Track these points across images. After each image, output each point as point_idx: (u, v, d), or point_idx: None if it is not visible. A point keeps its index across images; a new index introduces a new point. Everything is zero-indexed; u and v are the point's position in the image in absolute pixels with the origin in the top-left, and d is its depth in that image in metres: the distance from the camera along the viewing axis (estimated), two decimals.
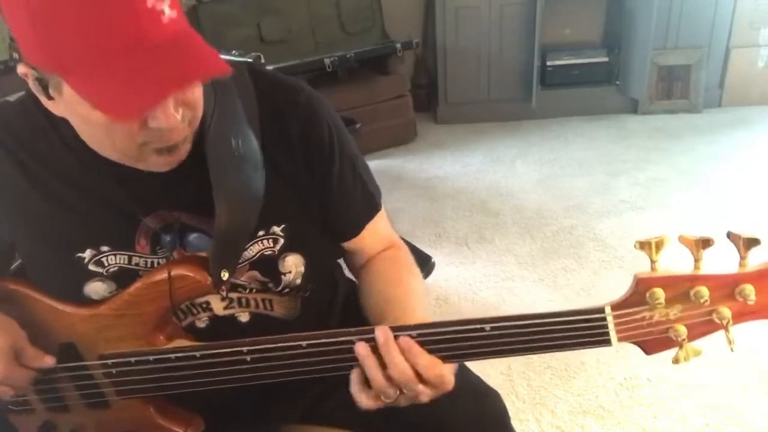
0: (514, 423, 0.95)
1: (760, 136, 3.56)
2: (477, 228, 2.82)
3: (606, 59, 3.99)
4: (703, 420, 1.70)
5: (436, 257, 1.18)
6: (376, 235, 0.97)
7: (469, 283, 2.41)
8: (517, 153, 3.60)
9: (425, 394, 0.75)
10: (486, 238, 2.72)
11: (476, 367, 0.98)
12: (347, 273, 1.10)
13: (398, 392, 0.75)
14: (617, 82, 4.02)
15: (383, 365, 0.74)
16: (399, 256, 0.98)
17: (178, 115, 0.70)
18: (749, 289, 0.67)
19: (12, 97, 0.85)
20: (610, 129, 3.84)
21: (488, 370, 1.92)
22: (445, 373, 0.76)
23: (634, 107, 4.01)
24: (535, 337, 0.72)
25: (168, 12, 0.66)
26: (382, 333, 0.74)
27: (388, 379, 0.74)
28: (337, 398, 0.99)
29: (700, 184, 3.06)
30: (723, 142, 3.52)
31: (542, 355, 1.96)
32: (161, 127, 0.69)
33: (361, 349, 0.74)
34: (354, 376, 0.76)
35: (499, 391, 0.96)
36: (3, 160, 0.81)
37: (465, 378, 0.96)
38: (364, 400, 0.76)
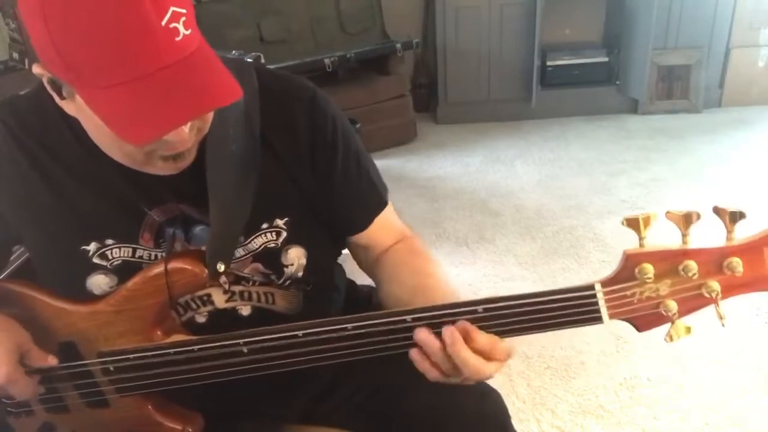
0: (514, 423, 0.95)
1: (760, 136, 3.56)
2: (477, 228, 2.82)
3: (606, 59, 3.99)
4: (703, 420, 1.70)
5: (436, 257, 1.18)
6: (387, 228, 0.97)
7: (469, 283, 2.41)
8: (517, 153, 3.60)
9: (494, 369, 0.73)
10: (486, 238, 2.72)
11: None
12: (348, 274, 1.10)
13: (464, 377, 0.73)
14: (617, 82, 4.02)
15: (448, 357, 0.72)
16: (416, 246, 0.97)
17: (187, 129, 0.70)
18: (736, 261, 0.67)
19: (22, 91, 0.85)
20: (610, 129, 3.84)
21: None
22: (505, 344, 0.73)
23: (634, 107, 4.01)
24: (528, 317, 0.72)
25: (182, 30, 0.66)
26: (449, 334, 0.71)
27: (453, 367, 0.72)
28: (337, 398, 0.99)
29: (701, 184, 3.06)
30: (723, 142, 3.52)
31: (542, 355, 1.97)
32: (170, 140, 0.70)
33: (427, 338, 0.72)
34: (418, 356, 0.73)
35: (499, 391, 0.96)
36: (13, 151, 0.82)
37: None
38: (434, 376, 0.74)
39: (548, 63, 3.99)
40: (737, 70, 3.90)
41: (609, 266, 2.50)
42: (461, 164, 3.53)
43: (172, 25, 0.64)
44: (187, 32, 0.66)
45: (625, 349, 1.98)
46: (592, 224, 2.76)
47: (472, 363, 0.71)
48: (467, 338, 0.71)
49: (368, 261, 0.98)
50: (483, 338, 0.72)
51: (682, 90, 3.94)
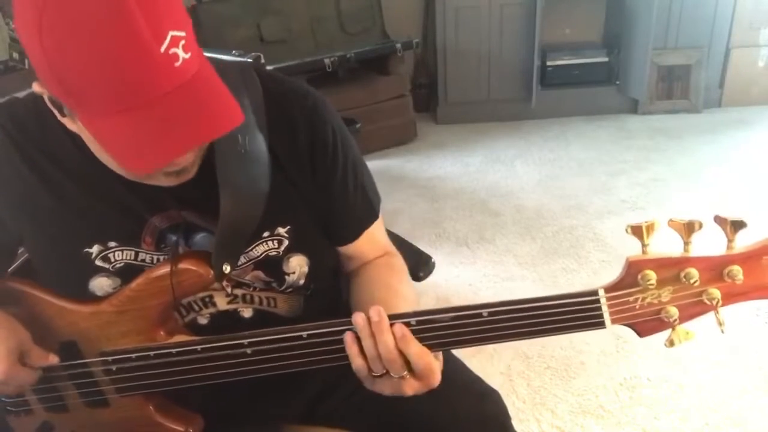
0: (514, 423, 0.95)
1: (760, 136, 3.56)
2: (477, 228, 2.82)
3: (606, 59, 3.99)
4: (703, 420, 1.70)
5: (436, 257, 1.18)
6: (373, 242, 0.98)
7: (469, 283, 2.41)
8: (517, 153, 3.60)
9: (410, 384, 0.76)
10: (486, 238, 2.72)
11: (476, 367, 0.99)
12: None
13: (385, 370, 0.75)
14: (617, 82, 4.02)
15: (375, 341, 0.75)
16: (393, 263, 0.99)
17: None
18: (737, 269, 0.69)
19: (21, 94, 0.85)
20: (610, 129, 3.84)
21: (488, 370, 1.92)
22: (435, 366, 0.76)
23: (634, 107, 4.01)
24: (532, 321, 0.74)
25: (182, 55, 0.64)
26: (375, 311, 0.74)
27: (377, 353, 0.74)
28: (336, 398, 0.99)
29: (700, 184, 3.06)
30: (723, 142, 3.52)
31: (542, 355, 1.97)
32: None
33: (359, 319, 0.75)
34: (350, 338, 0.76)
35: (499, 391, 0.96)
36: (12, 155, 0.81)
37: (465, 378, 0.96)
38: (357, 363, 0.76)
39: (548, 63, 3.99)
40: (737, 70, 3.90)
41: (609, 266, 2.52)
42: (461, 164, 3.53)
43: (171, 51, 0.63)
44: (187, 56, 0.65)
45: (625, 349, 1.98)
46: (592, 224, 2.76)
47: (395, 358, 0.73)
48: (402, 341, 0.74)
49: (348, 270, 1.00)
50: (415, 347, 0.74)
51: (682, 90, 3.94)
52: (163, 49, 0.62)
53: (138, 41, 0.61)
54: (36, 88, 0.70)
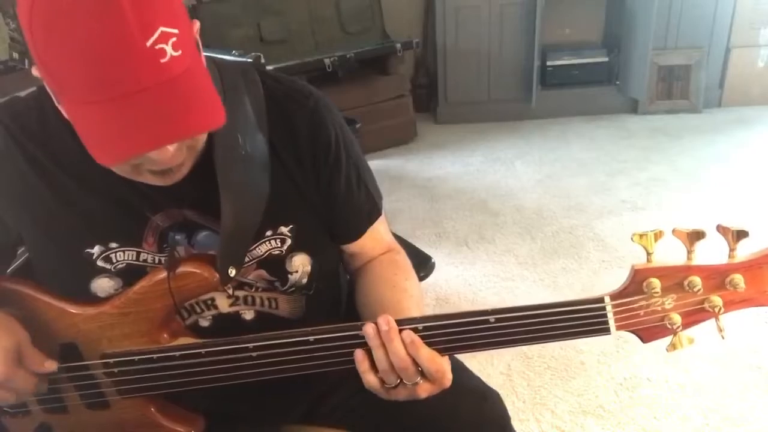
0: (514, 423, 0.96)
1: (760, 136, 3.56)
2: (477, 228, 2.82)
3: (606, 59, 3.99)
4: (703, 420, 1.70)
5: (436, 257, 1.19)
6: (376, 239, 0.98)
7: (469, 283, 2.41)
8: (517, 153, 3.60)
9: (423, 388, 0.76)
10: (486, 238, 2.72)
11: (476, 367, 0.99)
12: None
13: (398, 380, 0.76)
14: (617, 82, 4.02)
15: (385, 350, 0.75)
16: (397, 260, 0.99)
17: (172, 148, 0.69)
18: (738, 278, 0.70)
19: (23, 93, 0.85)
20: (610, 129, 3.84)
21: (488, 370, 1.92)
22: (445, 367, 0.76)
23: (634, 107, 4.01)
24: (539, 327, 0.75)
25: (170, 51, 0.63)
26: (384, 320, 0.75)
27: (390, 364, 0.75)
28: (337, 398, 0.99)
29: (700, 184, 3.06)
30: (723, 142, 3.52)
31: (542, 355, 1.97)
32: (154, 158, 0.69)
33: (369, 329, 0.75)
34: (361, 355, 0.76)
35: (499, 391, 0.96)
36: (14, 154, 0.81)
37: (465, 379, 0.96)
38: (370, 379, 0.76)
39: (548, 63, 3.99)
40: (737, 70, 3.90)
41: (608, 266, 2.51)
42: (461, 164, 3.53)
43: (158, 46, 0.62)
44: (176, 53, 0.64)
45: (625, 349, 1.98)
46: (592, 224, 2.76)
47: (408, 365, 0.74)
48: (411, 347, 0.74)
49: (353, 267, 1.00)
50: (425, 351, 0.74)
51: (682, 90, 3.94)
52: (149, 43, 0.62)
53: (121, 32, 0.60)
54: (35, 72, 0.70)
